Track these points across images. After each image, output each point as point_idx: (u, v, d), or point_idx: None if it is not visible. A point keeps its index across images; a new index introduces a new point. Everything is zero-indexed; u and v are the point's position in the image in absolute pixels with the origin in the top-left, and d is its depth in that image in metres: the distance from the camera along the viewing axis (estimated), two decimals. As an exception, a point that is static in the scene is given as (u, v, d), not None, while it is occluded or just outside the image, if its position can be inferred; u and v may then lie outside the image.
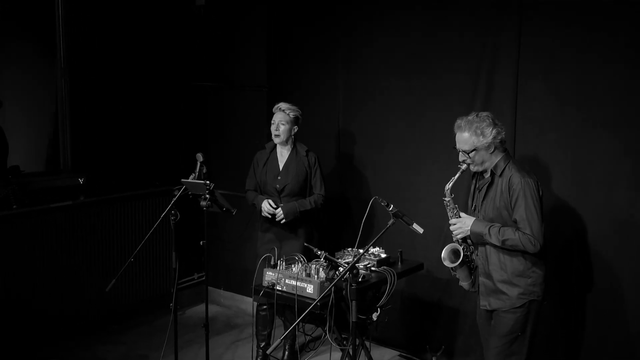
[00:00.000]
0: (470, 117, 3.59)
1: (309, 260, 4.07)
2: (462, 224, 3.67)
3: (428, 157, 4.75)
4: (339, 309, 3.91)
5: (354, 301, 3.61)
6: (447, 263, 3.73)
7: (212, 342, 4.92)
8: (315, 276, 3.90)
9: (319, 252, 3.92)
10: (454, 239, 3.75)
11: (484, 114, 3.61)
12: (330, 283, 3.72)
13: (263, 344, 4.81)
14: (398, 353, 5.05)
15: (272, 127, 4.66)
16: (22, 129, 5.40)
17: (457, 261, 3.69)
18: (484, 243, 3.65)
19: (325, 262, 3.92)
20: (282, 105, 4.67)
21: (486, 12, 4.41)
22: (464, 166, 3.64)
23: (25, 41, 5.43)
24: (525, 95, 4.28)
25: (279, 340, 3.37)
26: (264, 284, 4.04)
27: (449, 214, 3.73)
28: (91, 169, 5.45)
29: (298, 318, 3.53)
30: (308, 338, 4.76)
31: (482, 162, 3.62)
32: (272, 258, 4.12)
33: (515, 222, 3.54)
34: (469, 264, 3.77)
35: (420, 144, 4.80)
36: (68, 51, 5.32)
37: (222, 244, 6.00)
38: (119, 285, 5.20)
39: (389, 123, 4.95)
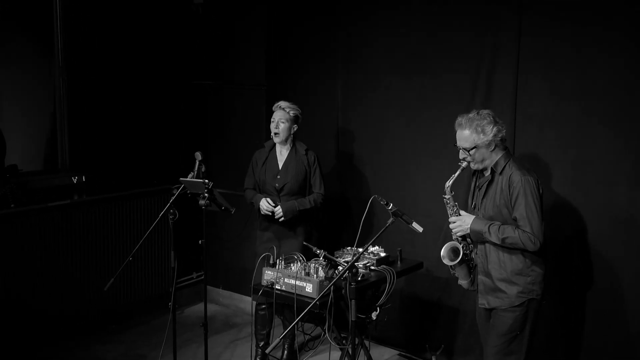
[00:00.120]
0: (471, 115, 3.59)
1: (308, 259, 4.07)
2: (461, 222, 3.66)
3: (428, 156, 4.75)
4: (338, 308, 3.91)
5: (353, 300, 3.61)
6: (446, 261, 3.72)
7: (211, 341, 4.91)
8: (315, 275, 3.89)
9: (318, 251, 3.91)
10: (454, 237, 3.74)
11: (485, 111, 3.60)
12: (330, 282, 3.72)
13: (262, 343, 4.80)
14: (397, 352, 5.04)
15: (272, 125, 4.65)
16: (20, 127, 5.39)
17: (456, 259, 3.69)
18: (484, 241, 3.64)
19: (324, 261, 3.92)
20: (282, 103, 4.66)
21: (486, 11, 4.40)
22: (464, 164, 3.64)
23: (23, 39, 5.42)
24: (525, 94, 4.28)
25: (278, 340, 3.37)
26: (263, 283, 4.03)
27: (449, 211, 3.72)
28: (89, 167, 5.44)
29: (297, 317, 3.52)
30: (307, 337, 4.75)
31: (483, 160, 3.61)
32: (271, 257, 4.11)
33: (515, 220, 3.53)
34: (468, 262, 3.76)
35: (420, 143, 4.79)
36: (66, 49, 5.31)
37: (221, 243, 5.99)
38: (117, 285, 5.20)
39: (388, 122, 4.94)
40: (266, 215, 4.64)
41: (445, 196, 3.70)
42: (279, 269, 4.01)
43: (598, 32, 3.99)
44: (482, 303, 3.73)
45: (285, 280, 3.93)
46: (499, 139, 3.57)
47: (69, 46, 5.31)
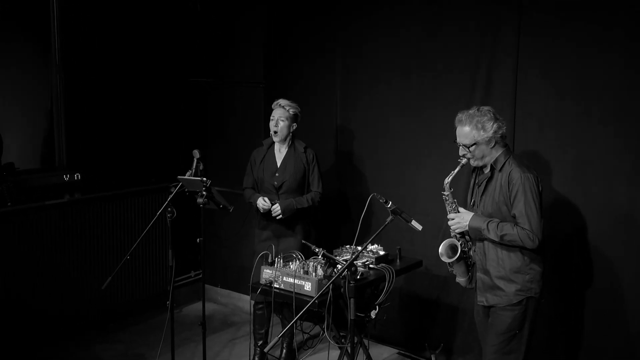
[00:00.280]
0: (471, 111, 3.58)
1: (307, 257, 4.05)
2: (460, 219, 3.65)
3: (427, 154, 4.74)
4: (337, 307, 3.90)
5: (352, 299, 3.60)
6: (444, 258, 3.71)
7: (209, 340, 4.90)
8: (313, 274, 3.88)
9: (317, 250, 3.90)
10: (452, 234, 3.73)
11: (486, 108, 3.59)
12: (328, 280, 3.71)
13: (260, 342, 4.79)
14: (397, 351, 5.03)
15: (271, 123, 4.63)
16: (17, 126, 5.36)
17: (454, 256, 3.67)
18: (482, 238, 3.63)
19: (323, 259, 3.91)
20: (282, 101, 4.64)
21: (485, 8, 4.40)
22: (464, 160, 3.62)
23: (20, 38, 5.39)
24: (525, 91, 4.27)
25: (276, 339, 3.36)
26: (261, 282, 4.02)
27: (448, 208, 3.71)
28: (87, 166, 5.41)
29: (296, 316, 3.51)
30: (306, 336, 4.75)
31: (482, 157, 3.60)
32: (270, 255, 4.10)
33: (514, 217, 3.52)
34: (466, 260, 3.75)
35: (419, 141, 4.79)
36: (63, 47, 5.28)
37: (219, 241, 5.98)
38: (115, 283, 5.19)
39: (387, 119, 4.93)
40: (265, 213, 4.62)
41: (444, 193, 3.69)
42: (277, 267, 4.00)
43: (598, 31, 3.98)
44: (481, 300, 3.72)
45: (284, 278, 3.92)
46: (499, 135, 3.56)
47: (66, 44, 5.29)
